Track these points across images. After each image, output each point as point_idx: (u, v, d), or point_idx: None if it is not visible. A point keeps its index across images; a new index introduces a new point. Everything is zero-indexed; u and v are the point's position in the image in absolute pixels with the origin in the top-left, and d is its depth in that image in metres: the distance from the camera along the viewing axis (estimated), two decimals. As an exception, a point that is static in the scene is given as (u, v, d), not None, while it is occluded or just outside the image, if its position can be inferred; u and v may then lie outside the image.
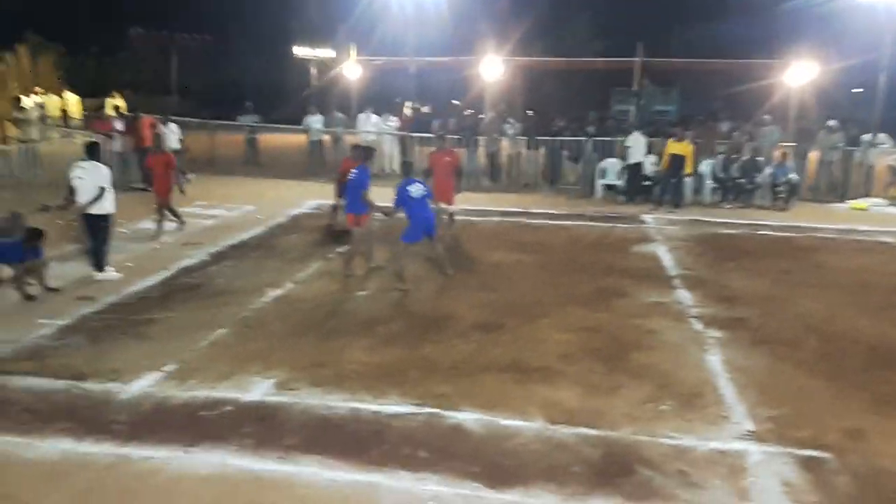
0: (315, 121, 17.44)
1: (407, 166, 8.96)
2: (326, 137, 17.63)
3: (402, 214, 7.97)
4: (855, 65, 20.27)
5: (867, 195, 14.45)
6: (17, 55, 25.65)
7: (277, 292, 7.62)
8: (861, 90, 26.41)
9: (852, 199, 14.22)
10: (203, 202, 12.73)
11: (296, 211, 12.29)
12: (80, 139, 15.47)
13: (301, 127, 17.63)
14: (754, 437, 4.58)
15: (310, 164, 17.20)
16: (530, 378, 5.44)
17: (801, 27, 26.69)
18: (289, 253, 9.41)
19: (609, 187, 14.44)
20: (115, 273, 8.04)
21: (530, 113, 19.73)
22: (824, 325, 6.76)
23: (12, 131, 17.32)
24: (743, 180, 13.65)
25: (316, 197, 13.27)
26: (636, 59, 16.52)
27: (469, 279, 8.25)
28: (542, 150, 15.63)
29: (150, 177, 13.15)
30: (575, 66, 24.08)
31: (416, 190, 7.82)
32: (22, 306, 7.04)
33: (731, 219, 12.25)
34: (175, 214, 10.58)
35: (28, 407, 4.88)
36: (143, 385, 5.24)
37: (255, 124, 18.34)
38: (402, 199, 7.82)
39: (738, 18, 42.11)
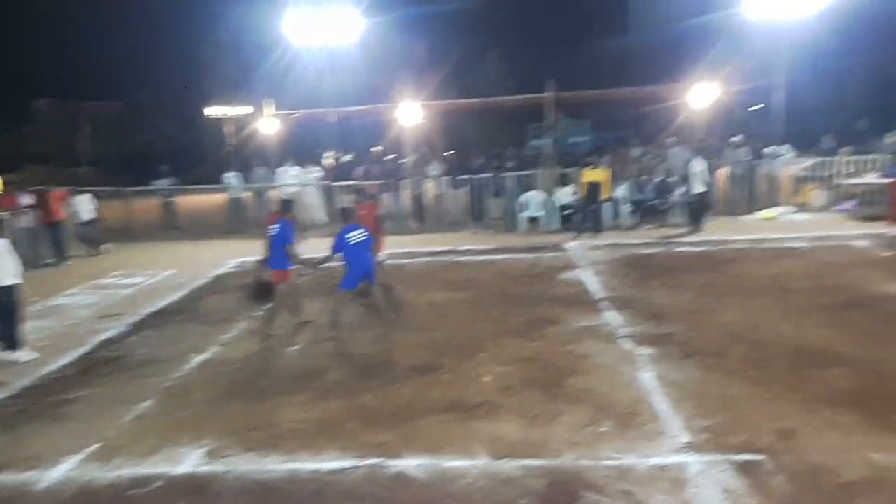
0: (234, 178, 17.19)
1: (346, 212, 8.63)
2: (247, 194, 17.38)
3: (336, 263, 7.88)
4: (754, 82, 21.56)
5: (775, 205, 15.22)
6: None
7: (203, 357, 7.36)
8: (761, 106, 28.06)
9: (761, 209, 14.95)
10: (121, 271, 12.31)
11: (218, 271, 11.99)
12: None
13: (220, 185, 17.34)
14: (692, 448, 4.65)
15: (230, 223, 16.91)
16: (472, 415, 5.39)
17: (702, 49, 28.31)
18: (213, 315, 9.13)
19: (531, 219, 14.72)
20: (30, 353, 7.60)
21: (451, 153, 20.08)
22: (749, 333, 6.98)
23: None
24: (657, 201, 14.16)
25: (238, 255, 13.01)
26: (547, 94, 17.04)
27: (403, 322, 8.18)
28: (466, 189, 15.84)
29: (63, 250, 12.67)
30: (490, 105, 24.74)
31: (355, 236, 7.74)
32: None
33: (650, 239, 12.63)
34: None
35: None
36: (63, 470, 4.92)
37: (170, 187, 17.93)
38: (340, 246, 7.73)
39: (641, 44, 44.35)
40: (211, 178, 18.12)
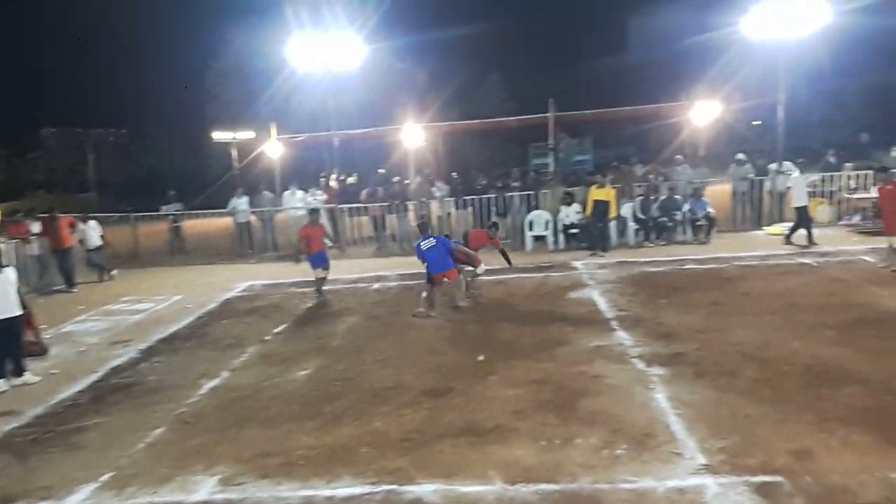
0: (241, 203, 17.30)
1: (421, 226, 10.63)
2: (254, 218, 17.47)
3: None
4: (755, 99, 21.64)
5: (781, 220, 15.23)
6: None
7: (213, 383, 7.36)
8: (758, 123, 28.22)
9: (767, 225, 14.95)
10: (130, 297, 12.34)
11: (227, 295, 12.01)
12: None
13: (227, 210, 17.44)
14: (709, 470, 4.63)
15: (238, 247, 16.99)
16: (485, 439, 5.37)
17: (702, 67, 28.53)
18: (222, 340, 9.14)
19: (537, 238, 14.75)
20: (33, 377, 7.68)
21: (456, 174, 20.16)
22: (760, 351, 6.96)
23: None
24: (663, 219, 14.18)
25: (246, 278, 13.05)
26: (548, 114, 17.15)
27: (413, 344, 8.19)
28: (471, 209, 15.89)
29: (72, 277, 12.73)
30: (492, 126, 24.88)
31: (426, 244, 9.67)
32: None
33: (657, 257, 12.63)
34: None
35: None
36: (77, 500, 4.92)
37: (178, 212, 18.04)
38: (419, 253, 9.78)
39: (641, 62, 44.80)
40: (217, 203, 18.21)
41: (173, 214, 17.92)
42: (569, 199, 14.52)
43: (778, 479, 4.43)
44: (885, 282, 9.64)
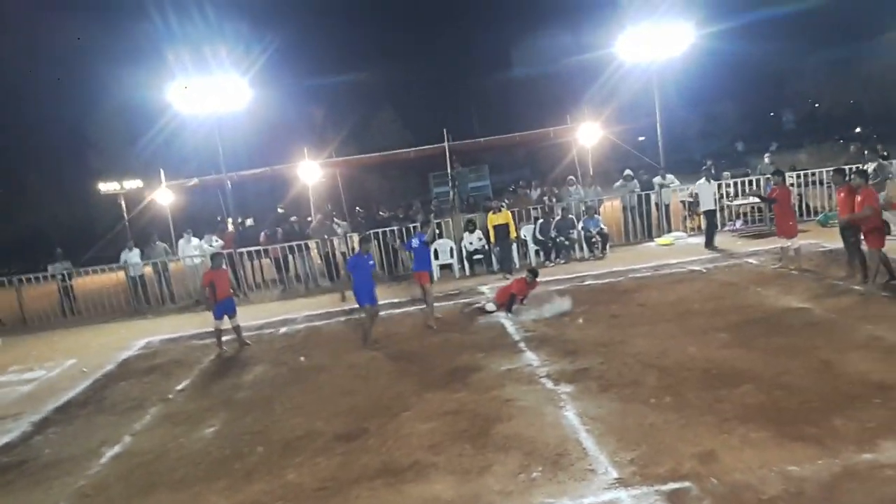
0: (132, 255, 16.51)
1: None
2: (148, 270, 16.71)
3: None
4: (634, 116, 22.87)
5: (670, 231, 16.05)
6: None
7: (115, 450, 6.94)
8: (642, 139, 29.79)
9: (658, 237, 15.71)
10: (18, 366, 11.50)
11: (124, 355, 11.40)
12: None
13: (119, 265, 16.60)
14: (621, 483, 4.75)
15: (133, 302, 16.21)
16: (403, 478, 5.31)
17: (585, 88, 29.96)
18: (122, 403, 8.65)
19: (443, 266, 14.88)
20: None
21: (358, 209, 20.11)
22: (659, 360, 7.26)
23: None
24: (561, 238, 14.65)
25: (144, 335, 12.46)
26: (443, 144, 17.45)
27: (323, 388, 8.03)
28: (375, 243, 15.82)
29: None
30: (390, 158, 24.96)
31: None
32: None
33: (558, 275, 12.98)
34: None
35: None
36: None
37: (66, 271, 17.02)
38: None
39: (527, 83, 46.49)
40: (108, 258, 17.29)
41: (61, 273, 16.90)
42: (471, 226, 14.77)
43: (686, 484, 4.60)
44: (769, 282, 10.33)
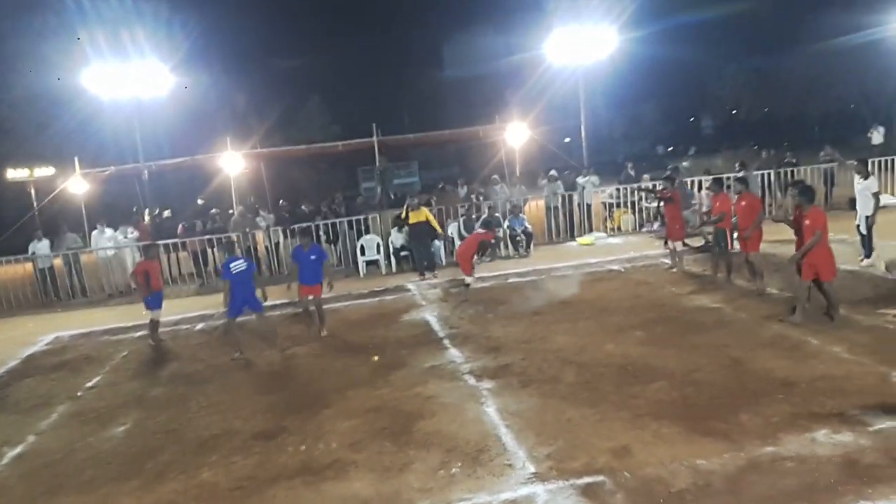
0: (42, 246, 15.66)
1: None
2: (58, 261, 15.89)
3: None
4: (561, 118, 23.33)
5: (591, 231, 16.46)
6: None
7: (18, 450, 6.59)
8: (568, 140, 30.42)
9: (580, 236, 16.09)
10: None
11: (30, 350, 10.83)
12: None
13: (27, 256, 15.71)
14: (538, 478, 4.83)
15: (41, 295, 15.39)
16: (322, 477, 5.24)
17: (513, 88, 30.41)
18: (26, 401, 8.20)
19: (369, 263, 14.78)
20: None
21: (283, 202, 19.72)
22: (578, 356, 7.44)
23: None
24: (486, 236, 14.76)
25: (53, 330, 11.86)
26: (372, 138, 17.30)
27: (241, 386, 7.85)
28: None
29: None
30: (317, 151, 24.56)
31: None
32: None
33: (483, 273, 13.07)
34: None
35: None
36: None
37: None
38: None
39: (457, 81, 46.88)
40: (15, 248, 16.29)
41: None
42: (399, 223, 14.68)
43: (600, 478, 4.72)
44: (682, 282, 10.73)
